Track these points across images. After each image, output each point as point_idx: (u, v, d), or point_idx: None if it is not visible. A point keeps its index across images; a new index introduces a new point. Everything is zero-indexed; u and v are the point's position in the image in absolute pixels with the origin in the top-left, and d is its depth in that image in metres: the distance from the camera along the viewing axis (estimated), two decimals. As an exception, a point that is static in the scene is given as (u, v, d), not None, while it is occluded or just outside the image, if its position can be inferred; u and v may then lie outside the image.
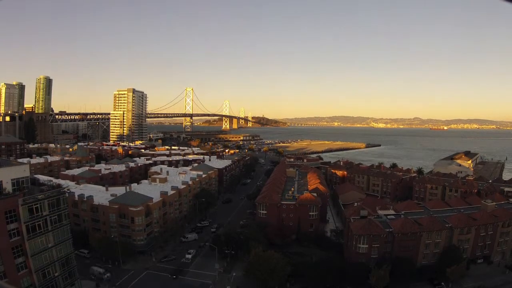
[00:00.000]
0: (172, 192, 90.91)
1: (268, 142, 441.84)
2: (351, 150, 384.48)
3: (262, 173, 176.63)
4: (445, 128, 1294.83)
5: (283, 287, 61.50)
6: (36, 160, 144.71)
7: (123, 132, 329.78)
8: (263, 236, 75.85)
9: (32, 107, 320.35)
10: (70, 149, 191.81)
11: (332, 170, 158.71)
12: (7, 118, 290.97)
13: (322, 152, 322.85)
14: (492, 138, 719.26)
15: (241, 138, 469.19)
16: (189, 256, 74.01)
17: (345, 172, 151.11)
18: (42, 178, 71.45)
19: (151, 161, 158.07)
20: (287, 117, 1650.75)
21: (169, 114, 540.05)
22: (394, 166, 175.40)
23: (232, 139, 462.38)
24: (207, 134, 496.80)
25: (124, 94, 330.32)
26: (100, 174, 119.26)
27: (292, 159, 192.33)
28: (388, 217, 73.59)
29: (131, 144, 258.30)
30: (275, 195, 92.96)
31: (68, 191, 67.41)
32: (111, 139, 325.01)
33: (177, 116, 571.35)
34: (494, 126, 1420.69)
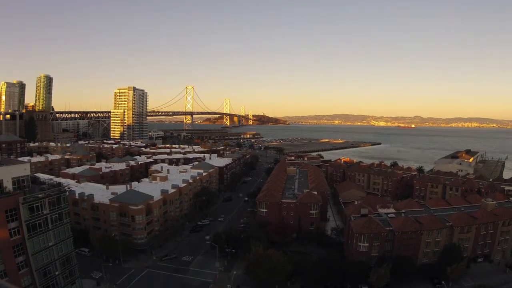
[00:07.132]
0: (173, 190, 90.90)
1: (268, 139, 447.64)
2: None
3: (263, 171, 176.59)
4: (413, 126, 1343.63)
5: (283, 285, 61.51)
6: (36, 158, 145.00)
7: (124, 131, 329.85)
8: (264, 235, 75.81)
9: (33, 105, 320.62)
10: (70, 148, 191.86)
11: (333, 168, 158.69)
12: (8, 117, 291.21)
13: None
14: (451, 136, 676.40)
15: (248, 136, 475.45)
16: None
17: (345, 171, 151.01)
18: (43, 176, 71.35)
19: (151, 160, 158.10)
20: (288, 115, 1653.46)
21: (169, 112, 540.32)
22: (394, 164, 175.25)
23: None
24: (208, 132, 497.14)
25: (124, 92, 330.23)
26: (100, 173, 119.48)
27: (292, 158, 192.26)
28: (389, 215, 73.52)
29: (131, 142, 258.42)
30: (275, 194, 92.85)
31: (69, 189, 67.50)
32: (111, 137, 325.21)
33: (177, 114, 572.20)
34: (494, 125, 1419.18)
